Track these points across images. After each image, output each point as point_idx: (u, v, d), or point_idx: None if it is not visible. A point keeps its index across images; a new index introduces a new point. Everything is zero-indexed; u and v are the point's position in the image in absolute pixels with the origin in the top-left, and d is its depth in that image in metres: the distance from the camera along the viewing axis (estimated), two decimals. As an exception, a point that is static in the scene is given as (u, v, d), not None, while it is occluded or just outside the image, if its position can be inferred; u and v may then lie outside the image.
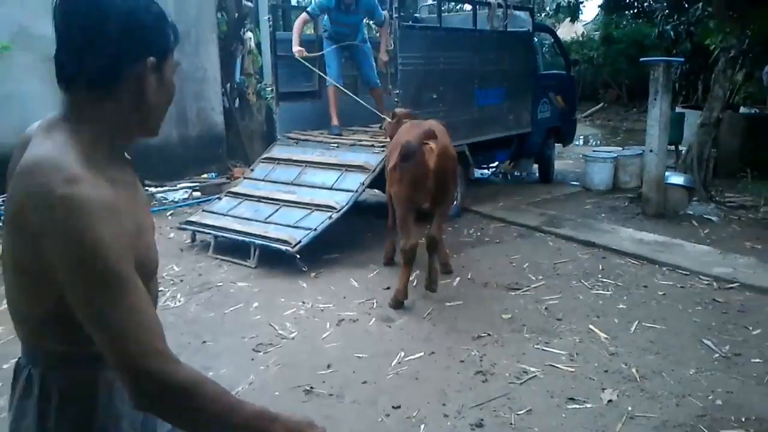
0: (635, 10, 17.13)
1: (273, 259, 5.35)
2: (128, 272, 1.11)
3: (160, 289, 4.72)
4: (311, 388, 3.41)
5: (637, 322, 4.20)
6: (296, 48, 6.47)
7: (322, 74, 6.83)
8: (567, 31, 21.38)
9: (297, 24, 6.67)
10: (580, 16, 23.14)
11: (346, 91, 6.48)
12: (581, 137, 13.86)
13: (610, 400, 3.27)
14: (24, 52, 7.19)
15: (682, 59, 9.14)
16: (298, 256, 5.16)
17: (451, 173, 4.49)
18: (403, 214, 4.49)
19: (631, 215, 6.90)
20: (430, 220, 4.71)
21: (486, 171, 9.22)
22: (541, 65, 8.74)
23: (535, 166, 8.96)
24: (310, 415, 3.04)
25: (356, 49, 6.89)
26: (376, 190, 6.79)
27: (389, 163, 4.72)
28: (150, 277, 1.31)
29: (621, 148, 9.10)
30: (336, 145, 6.52)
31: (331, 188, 5.83)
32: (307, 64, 6.56)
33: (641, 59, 7.25)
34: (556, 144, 9.07)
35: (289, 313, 4.43)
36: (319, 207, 5.61)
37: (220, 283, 5.02)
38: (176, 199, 8.03)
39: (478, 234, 6.37)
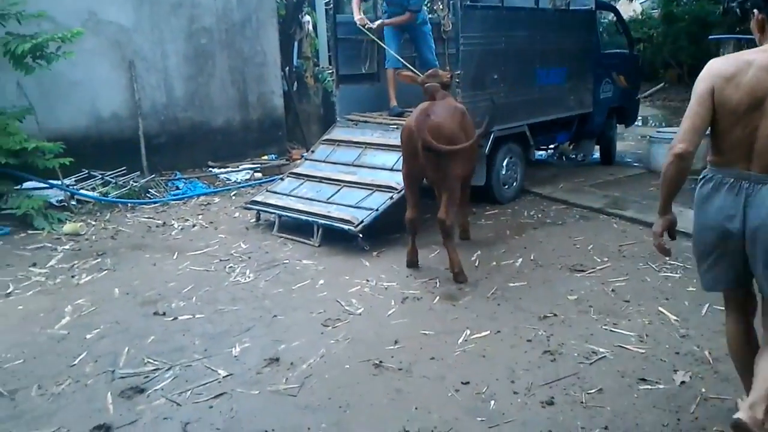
0: (698, -13, 16.49)
1: (335, 238, 5.44)
2: None
3: (229, 266, 4.89)
4: (380, 362, 3.48)
5: (708, 305, 4.10)
6: (358, 16, 6.54)
7: (381, 44, 6.80)
8: (625, 9, 20.68)
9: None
10: (640, -6, 22.45)
11: (407, 65, 6.43)
12: (640, 118, 13.48)
13: (683, 382, 3.23)
14: (93, 37, 7.48)
15: (752, 36, 8.72)
16: (360, 235, 5.24)
17: (447, 154, 4.48)
18: (405, 187, 4.88)
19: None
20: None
21: (546, 152, 9.08)
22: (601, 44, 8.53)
23: (597, 147, 8.78)
24: (380, 388, 3.13)
25: (415, 31, 6.87)
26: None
27: None
28: None
29: (686, 129, 8.80)
30: (395, 126, 6.54)
31: (391, 169, 5.86)
32: (368, 33, 6.58)
33: (710, 37, 7.00)
34: (618, 125, 8.86)
35: (354, 291, 4.51)
36: (379, 188, 5.66)
37: (286, 261, 5.14)
38: (239, 180, 8.23)
39: (539, 215, 6.32)
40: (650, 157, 8.15)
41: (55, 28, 6.76)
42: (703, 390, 3.15)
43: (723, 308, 2.85)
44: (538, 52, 6.77)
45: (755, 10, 2.50)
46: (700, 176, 2.67)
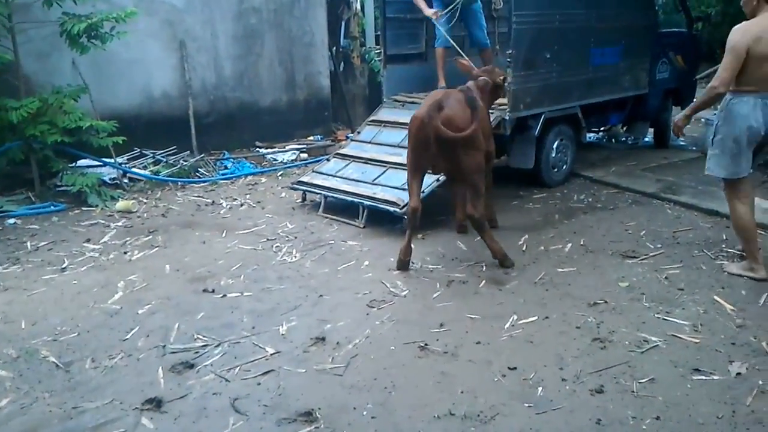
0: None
1: (380, 219, 5.43)
2: None
3: (276, 245, 4.93)
4: (426, 344, 3.47)
5: (766, 295, 3.95)
6: (429, 11, 6.41)
7: (448, 37, 6.66)
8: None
9: None
10: (698, -30, 21.57)
11: (455, 45, 6.32)
12: (695, 100, 13.02)
13: (738, 373, 3.12)
14: (146, 18, 7.58)
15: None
16: (405, 217, 5.20)
17: (463, 145, 4.35)
18: (408, 176, 4.58)
19: (757, 183, 6.42)
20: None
21: (596, 134, 8.85)
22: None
23: (651, 129, 8.50)
24: (426, 371, 3.12)
25: (465, 9, 6.73)
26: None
27: None
28: None
29: (746, 112, 8.45)
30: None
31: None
32: (439, 27, 6.46)
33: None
34: (673, 107, 8.56)
35: (399, 272, 4.49)
36: (426, 169, 5.60)
37: (332, 241, 5.16)
38: (285, 161, 8.29)
39: (590, 200, 6.17)
40: (706, 141, 7.85)
41: (109, 8, 6.88)
42: (761, 382, 3.04)
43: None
44: (592, 31, 6.55)
45: None
46: (730, 98, 4.01)
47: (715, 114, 8.22)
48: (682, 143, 8.60)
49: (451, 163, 4.49)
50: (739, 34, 3.84)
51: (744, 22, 3.91)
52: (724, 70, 3.86)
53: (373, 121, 6.79)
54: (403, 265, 4.54)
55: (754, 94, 3.92)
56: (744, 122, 3.96)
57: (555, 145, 6.53)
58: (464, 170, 4.45)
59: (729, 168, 4.09)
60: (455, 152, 4.39)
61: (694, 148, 8.25)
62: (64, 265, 4.79)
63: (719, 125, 4.09)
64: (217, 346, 3.52)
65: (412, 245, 4.58)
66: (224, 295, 4.19)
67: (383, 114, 6.81)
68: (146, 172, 7.25)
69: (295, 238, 5.26)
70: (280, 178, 7.53)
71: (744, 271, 4.24)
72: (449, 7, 6.46)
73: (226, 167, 7.94)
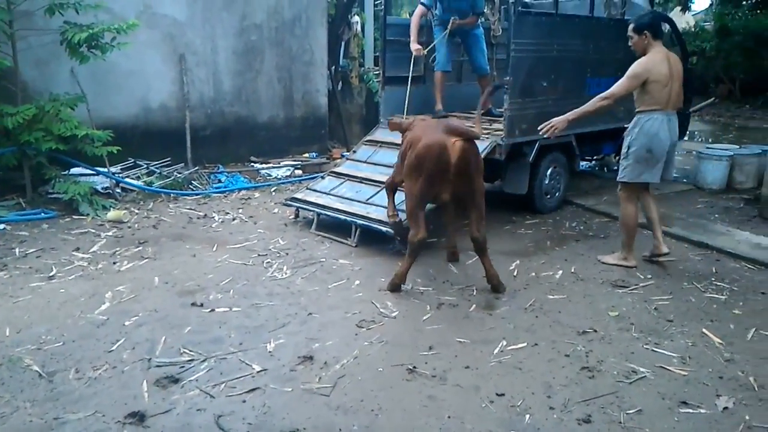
0: (754, 1, 15.89)
1: (373, 239, 5.43)
2: None
3: (267, 260, 4.92)
4: (414, 367, 3.44)
5: (754, 330, 3.97)
6: (414, 46, 6.51)
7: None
8: (677, 21, 20.25)
9: (414, 19, 6.67)
10: (691, 6, 21.88)
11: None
12: (688, 133, 13.14)
13: (725, 408, 3.12)
14: (147, 30, 7.62)
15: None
16: (398, 238, 5.21)
17: (475, 168, 4.39)
18: (414, 206, 4.46)
19: (747, 217, 6.50)
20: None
21: (590, 163, 8.91)
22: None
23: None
24: (413, 394, 3.10)
25: (467, 35, 6.81)
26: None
27: (407, 158, 4.50)
28: None
29: (737, 146, 8.55)
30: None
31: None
32: (438, 50, 6.61)
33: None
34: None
35: (390, 293, 4.48)
36: (420, 191, 5.61)
37: (323, 259, 5.15)
38: (279, 176, 8.29)
39: (581, 228, 6.20)
40: (698, 174, 7.94)
41: (111, 18, 6.93)
42: (747, 417, 3.04)
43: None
44: (589, 61, 6.63)
45: (644, 32, 4.79)
46: (642, 116, 4.79)
47: (707, 148, 8.35)
48: (675, 176, 8.67)
49: (466, 187, 4.41)
50: (641, 67, 4.69)
51: (642, 58, 4.74)
52: (618, 88, 4.74)
53: (369, 140, 6.82)
54: (396, 288, 4.53)
55: (660, 112, 4.73)
56: (655, 135, 4.73)
57: (549, 172, 6.57)
58: (476, 192, 4.42)
59: (642, 174, 4.85)
60: (470, 175, 4.37)
61: (685, 180, 8.32)
62: (51, 273, 4.75)
63: (633, 139, 4.81)
64: (204, 361, 3.49)
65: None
66: (212, 310, 4.16)
67: (380, 134, 6.83)
68: (139, 183, 7.23)
69: (287, 254, 5.25)
70: (273, 193, 7.52)
71: (618, 261, 5.07)
72: (445, 33, 6.56)
73: (219, 181, 7.94)
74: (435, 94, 6.86)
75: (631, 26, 4.87)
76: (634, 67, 4.70)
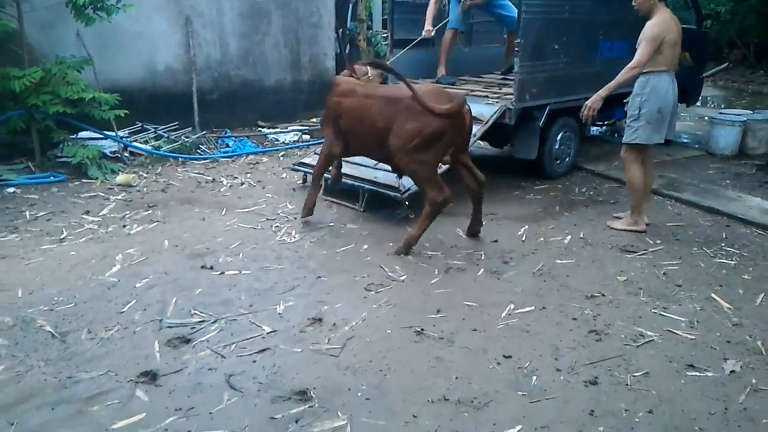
0: (773, -38, 15.49)
1: (380, 204, 5.42)
2: None
3: (275, 225, 4.93)
4: (422, 329, 3.47)
5: (763, 295, 3.97)
6: (427, 28, 6.54)
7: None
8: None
9: (431, 3, 6.61)
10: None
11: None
12: (701, 98, 12.96)
13: (732, 371, 3.13)
14: (153, -9, 7.51)
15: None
16: (406, 202, 5.20)
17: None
18: (434, 170, 4.53)
19: (758, 183, 6.44)
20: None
21: (600, 128, 8.82)
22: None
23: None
24: (421, 355, 3.13)
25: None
26: (480, 143, 6.69)
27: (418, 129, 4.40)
28: None
29: (750, 112, 8.42)
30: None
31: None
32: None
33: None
34: (679, 104, 8.50)
35: (398, 257, 4.49)
36: (429, 156, 5.57)
37: (331, 223, 5.15)
38: (287, 141, 8.26)
39: (591, 193, 6.16)
40: (710, 139, 7.85)
41: (115, -21, 6.83)
42: (754, 381, 3.06)
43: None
44: (602, 23, 6.50)
45: None
46: (651, 78, 4.74)
47: (720, 113, 8.23)
48: (685, 140, 8.59)
49: (464, 144, 4.68)
50: (657, 28, 4.62)
51: (653, 19, 4.68)
52: (642, 55, 4.64)
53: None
54: (408, 251, 4.54)
55: (667, 72, 4.75)
56: (665, 95, 4.76)
57: (559, 137, 6.51)
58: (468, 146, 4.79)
59: (652, 135, 4.85)
60: (469, 133, 4.70)
61: (697, 145, 8.24)
62: (62, 236, 4.78)
63: (645, 101, 4.77)
64: (214, 322, 3.53)
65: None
66: (222, 273, 4.18)
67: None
68: (147, 147, 7.22)
69: (295, 219, 5.25)
70: (281, 158, 7.50)
71: (628, 226, 5.04)
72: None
73: (227, 145, 7.91)
74: (441, 55, 6.76)
75: None
76: (652, 29, 4.64)
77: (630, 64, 4.70)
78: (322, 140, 6.19)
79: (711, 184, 6.34)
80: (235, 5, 8.42)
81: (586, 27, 6.30)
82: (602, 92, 4.80)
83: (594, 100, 4.81)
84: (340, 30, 9.99)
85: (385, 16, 9.27)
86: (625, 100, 5.14)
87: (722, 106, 12.74)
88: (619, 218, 5.21)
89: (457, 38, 6.85)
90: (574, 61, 6.19)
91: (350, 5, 10.30)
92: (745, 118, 7.76)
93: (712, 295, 3.96)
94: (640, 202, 5.00)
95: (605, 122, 8.37)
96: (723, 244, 4.80)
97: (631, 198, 5.06)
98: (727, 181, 6.51)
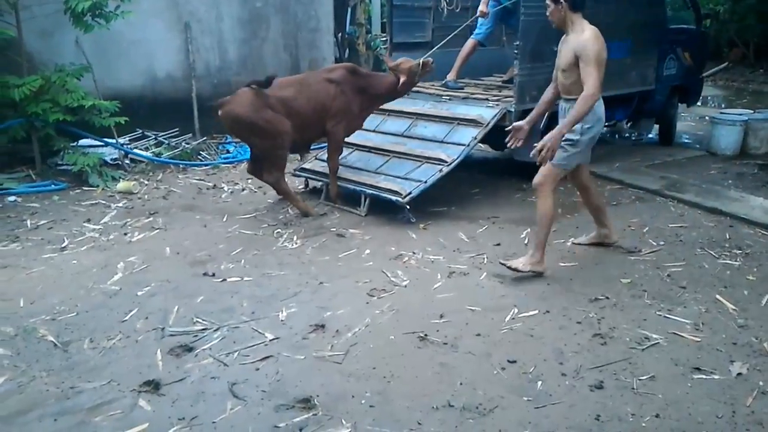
0: (772, -39, 15.50)
1: (382, 208, 5.40)
2: None
3: (277, 230, 4.91)
4: (425, 335, 3.45)
5: (768, 296, 3.95)
6: (482, 9, 6.55)
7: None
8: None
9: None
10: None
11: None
12: (701, 98, 12.97)
13: (739, 373, 3.11)
14: (151, -2, 7.51)
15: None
16: (408, 207, 5.19)
17: None
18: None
19: (761, 183, 6.42)
20: None
21: (602, 129, 8.80)
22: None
23: (656, 126, 8.46)
24: (425, 361, 3.11)
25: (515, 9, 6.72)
26: (481, 145, 6.67)
27: None
28: None
29: (752, 111, 8.41)
30: (448, 97, 6.44)
31: (441, 141, 5.78)
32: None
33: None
34: (679, 104, 8.51)
35: (400, 262, 4.47)
36: (429, 160, 5.57)
37: (333, 229, 5.14)
38: (287, 146, 8.23)
39: (593, 195, 6.14)
40: (711, 139, 7.84)
41: (114, -14, 6.82)
42: (761, 383, 3.03)
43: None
44: (600, 24, 6.42)
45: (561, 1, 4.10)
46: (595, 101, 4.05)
47: (721, 113, 8.21)
48: (686, 140, 8.58)
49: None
50: (602, 47, 4.01)
51: (588, 36, 4.04)
52: (596, 80, 3.93)
53: (377, 109, 6.73)
54: None
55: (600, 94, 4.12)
56: (601, 118, 4.31)
57: (560, 139, 6.48)
58: None
59: (584, 159, 4.48)
60: None
61: (698, 146, 8.23)
62: (63, 245, 4.77)
63: (588, 127, 4.18)
64: (216, 330, 3.51)
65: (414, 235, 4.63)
66: (224, 280, 4.17)
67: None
68: (148, 154, 7.21)
69: (296, 224, 5.24)
70: (282, 163, 7.48)
71: (531, 267, 4.19)
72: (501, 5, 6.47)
73: (228, 151, 7.91)
74: (457, 62, 6.75)
75: None
76: (598, 51, 3.97)
77: (586, 92, 3.92)
78: (323, 145, 6.20)
79: (713, 185, 6.33)
80: (234, 11, 8.42)
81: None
82: (563, 129, 4.01)
83: (552, 138, 3.98)
84: (339, 34, 9.98)
85: (384, 20, 9.26)
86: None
87: (723, 105, 12.74)
88: (581, 243, 4.80)
89: (475, 49, 6.83)
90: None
91: (348, 9, 10.29)
92: (746, 118, 7.75)
93: (717, 296, 3.93)
94: (546, 238, 4.24)
95: (605, 123, 8.34)
96: (726, 245, 4.78)
97: (538, 233, 4.23)
98: (729, 182, 6.49)
